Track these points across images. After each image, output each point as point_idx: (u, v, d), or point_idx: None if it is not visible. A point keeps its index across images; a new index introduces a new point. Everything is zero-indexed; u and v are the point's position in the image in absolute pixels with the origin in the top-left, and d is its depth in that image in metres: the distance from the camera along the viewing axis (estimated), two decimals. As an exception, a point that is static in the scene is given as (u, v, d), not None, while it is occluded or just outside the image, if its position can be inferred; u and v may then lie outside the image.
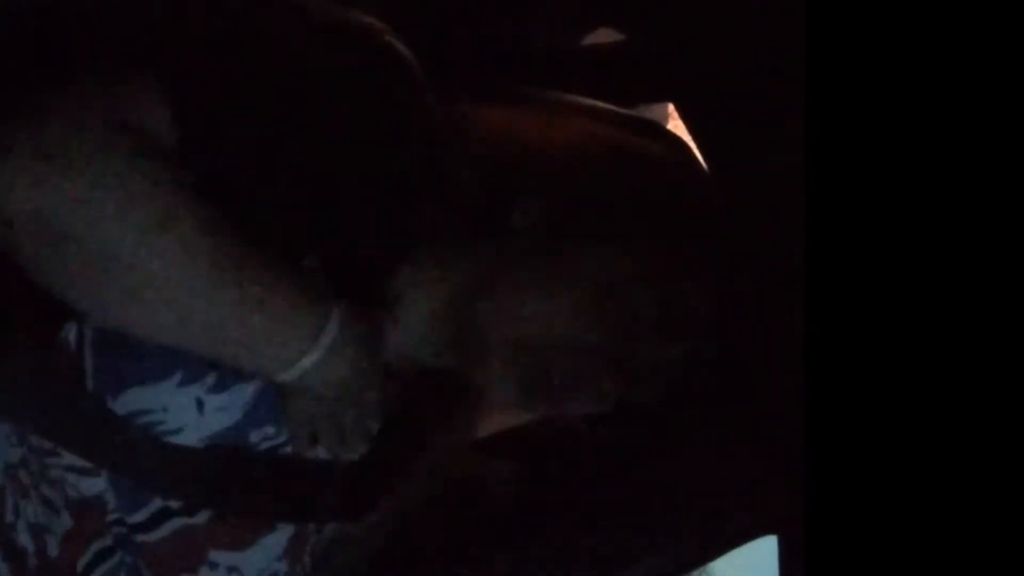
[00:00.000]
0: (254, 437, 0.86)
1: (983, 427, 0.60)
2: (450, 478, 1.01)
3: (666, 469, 1.09)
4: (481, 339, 0.89)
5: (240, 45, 0.82)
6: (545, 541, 1.06)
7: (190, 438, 0.84)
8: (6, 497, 0.88)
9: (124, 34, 0.82)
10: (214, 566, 0.89)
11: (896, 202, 0.62)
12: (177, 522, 0.87)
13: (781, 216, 0.93)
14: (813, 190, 0.64)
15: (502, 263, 0.89)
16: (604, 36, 1.22)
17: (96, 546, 0.88)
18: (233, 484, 0.87)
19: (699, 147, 1.08)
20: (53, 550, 0.88)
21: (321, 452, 0.88)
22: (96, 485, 0.86)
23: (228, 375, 0.83)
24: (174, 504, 0.87)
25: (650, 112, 1.23)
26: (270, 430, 0.87)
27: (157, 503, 0.87)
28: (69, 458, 0.85)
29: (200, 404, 0.84)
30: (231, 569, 0.89)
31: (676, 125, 1.17)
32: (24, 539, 0.88)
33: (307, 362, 0.80)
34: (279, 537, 0.90)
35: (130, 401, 0.83)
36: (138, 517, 0.87)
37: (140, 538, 0.87)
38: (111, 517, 0.87)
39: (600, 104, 0.99)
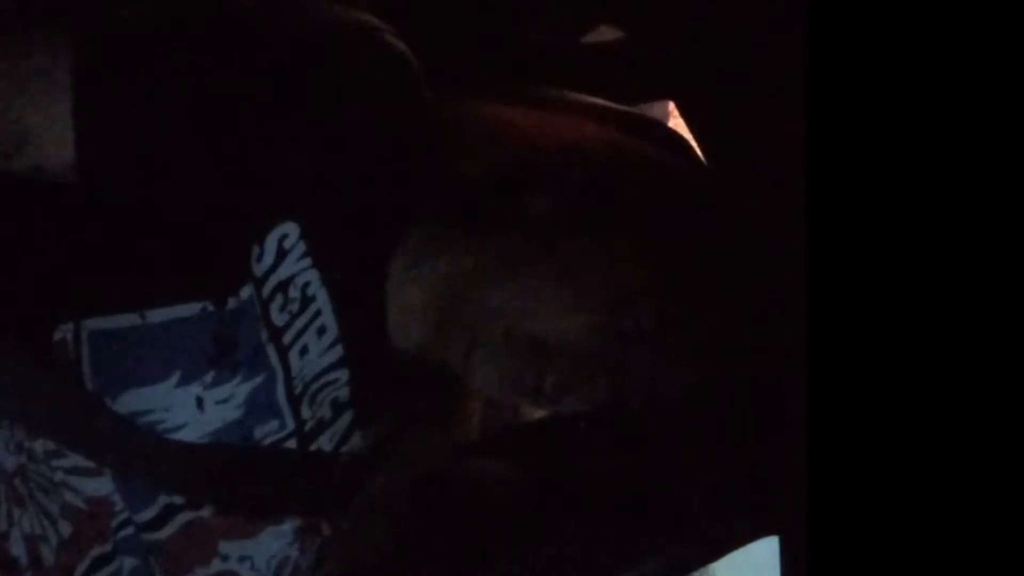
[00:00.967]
0: (258, 432, 0.87)
1: (985, 428, 0.60)
2: (449, 478, 1.01)
3: (667, 470, 1.09)
4: (471, 332, 0.88)
5: (236, 35, 0.83)
6: (545, 542, 1.06)
7: (192, 435, 0.84)
8: (0, 505, 0.88)
9: None
10: (226, 557, 0.89)
11: (899, 202, 0.62)
12: (184, 516, 0.88)
13: (782, 215, 0.93)
14: (815, 189, 0.63)
15: (500, 258, 0.89)
16: (605, 34, 1.22)
17: (95, 552, 0.88)
18: (236, 479, 0.87)
19: (700, 145, 1.08)
20: (49, 559, 0.87)
21: (322, 445, 0.88)
22: (103, 486, 0.86)
23: (225, 372, 0.83)
24: (178, 499, 0.87)
25: (651, 110, 1.22)
26: (274, 424, 0.87)
27: (163, 499, 0.87)
28: (74, 460, 0.86)
29: (200, 402, 0.84)
30: (243, 558, 0.90)
31: (677, 123, 1.17)
32: (17, 549, 0.88)
33: None
34: (286, 526, 0.91)
35: (129, 402, 0.84)
36: (146, 515, 0.87)
37: (149, 537, 0.87)
38: (119, 518, 0.87)
39: (601, 102, 0.99)
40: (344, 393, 0.90)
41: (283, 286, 0.86)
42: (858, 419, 0.62)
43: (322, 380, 0.89)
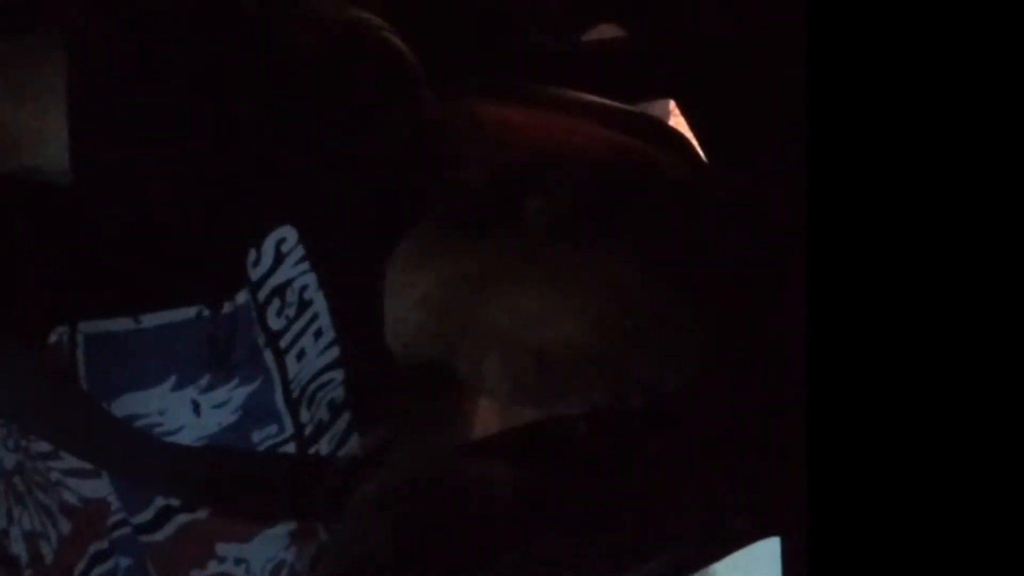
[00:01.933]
0: (256, 436, 0.87)
1: (987, 429, 0.60)
2: (446, 480, 1.00)
3: (667, 470, 1.08)
4: (470, 334, 0.88)
5: (232, 37, 0.83)
6: (545, 543, 1.06)
7: (188, 439, 0.84)
8: (0, 503, 0.88)
9: None
10: (222, 560, 0.89)
11: (901, 201, 0.62)
12: (181, 518, 0.87)
13: (784, 214, 0.92)
14: (816, 188, 0.63)
15: (499, 260, 0.88)
16: (605, 32, 1.22)
17: (93, 548, 0.88)
18: (232, 481, 0.87)
19: (700, 144, 1.07)
20: (49, 556, 0.87)
21: (321, 448, 0.88)
22: (99, 488, 0.86)
23: (221, 375, 0.83)
24: (175, 501, 0.87)
25: (651, 109, 1.22)
26: (272, 428, 0.87)
27: (160, 501, 0.87)
28: (70, 461, 0.85)
29: (196, 406, 0.84)
30: (239, 561, 0.89)
31: (678, 122, 1.17)
32: (17, 547, 0.88)
33: None
34: (280, 528, 0.90)
35: (125, 406, 0.84)
36: (142, 517, 0.87)
37: (146, 539, 0.87)
38: (115, 519, 0.87)
39: (601, 101, 0.99)
40: (339, 393, 0.90)
41: (280, 290, 0.86)
42: (859, 419, 0.62)
43: (318, 381, 0.89)
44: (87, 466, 0.86)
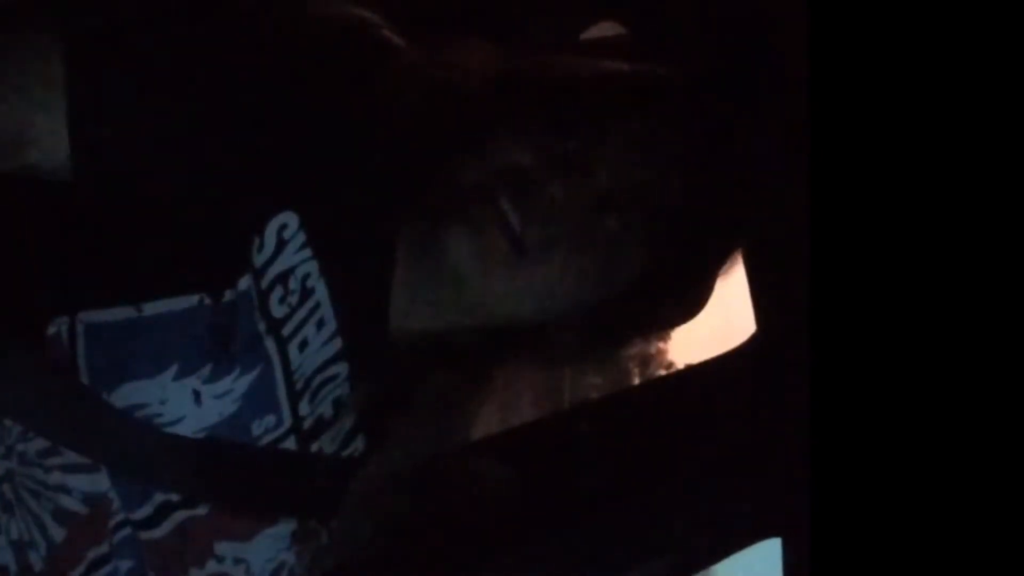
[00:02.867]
0: (256, 428, 0.86)
1: (988, 429, 0.60)
2: (450, 478, 1.00)
3: (669, 471, 1.09)
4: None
5: (232, 29, 0.83)
6: (546, 544, 1.06)
7: (189, 429, 0.84)
8: None
9: None
10: (221, 559, 0.88)
11: (903, 201, 0.62)
12: (180, 515, 0.87)
13: (785, 213, 0.92)
14: (818, 187, 0.63)
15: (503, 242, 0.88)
16: (605, 30, 1.22)
17: (92, 554, 0.87)
18: (231, 475, 0.87)
19: (700, 144, 1.07)
20: (38, 565, 0.87)
21: (323, 445, 0.88)
22: (99, 482, 0.86)
23: (223, 365, 0.83)
24: (175, 497, 0.86)
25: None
26: (271, 419, 0.86)
27: (159, 497, 0.86)
28: (69, 457, 0.85)
29: (197, 395, 0.84)
30: (238, 560, 0.89)
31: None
32: (5, 556, 0.87)
33: None
34: (281, 528, 0.90)
35: (126, 396, 0.83)
36: (141, 513, 0.86)
37: (145, 536, 0.87)
38: (116, 519, 0.86)
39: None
40: (345, 390, 0.90)
41: (283, 277, 0.85)
42: (861, 421, 0.62)
43: (322, 375, 0.89)
44: (86, 461, 0.86)
